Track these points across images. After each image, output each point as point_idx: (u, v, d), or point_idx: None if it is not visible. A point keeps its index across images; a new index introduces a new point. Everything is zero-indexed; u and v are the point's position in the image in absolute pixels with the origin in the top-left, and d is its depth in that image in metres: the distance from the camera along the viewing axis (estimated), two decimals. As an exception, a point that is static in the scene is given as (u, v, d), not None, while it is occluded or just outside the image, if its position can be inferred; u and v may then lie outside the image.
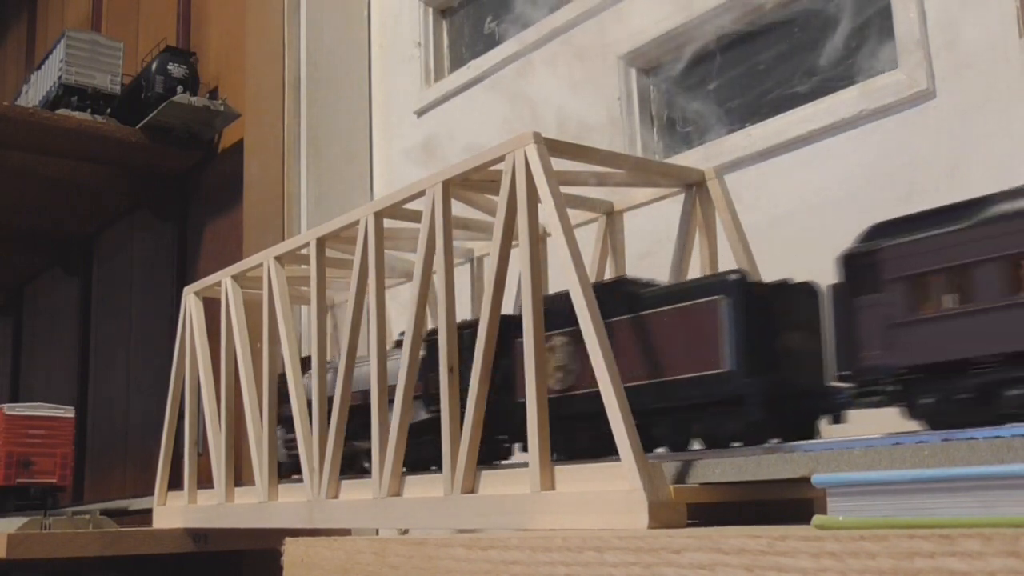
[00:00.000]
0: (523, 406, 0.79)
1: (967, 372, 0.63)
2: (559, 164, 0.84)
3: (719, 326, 0.73)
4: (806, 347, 0.71)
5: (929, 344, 0.63)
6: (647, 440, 0.76)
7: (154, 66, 2.11)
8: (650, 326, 0.78)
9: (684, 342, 0.73)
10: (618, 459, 0.72)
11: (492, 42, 1.72)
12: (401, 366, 0.94)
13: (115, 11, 2.86)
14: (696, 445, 0.80)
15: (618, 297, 0.82)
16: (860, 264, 0.67)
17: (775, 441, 0.76)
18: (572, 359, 0.83)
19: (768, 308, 0.72)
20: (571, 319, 0.76)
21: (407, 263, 1.23)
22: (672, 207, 1.06)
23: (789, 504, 0.76)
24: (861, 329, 0.67)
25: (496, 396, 0.87)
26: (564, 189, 0.86)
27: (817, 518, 0.53)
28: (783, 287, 0.77)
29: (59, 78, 2.21)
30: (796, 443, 0.70)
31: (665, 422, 0.79)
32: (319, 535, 0.84)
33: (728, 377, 0.71)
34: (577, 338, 0.76)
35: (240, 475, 1.37)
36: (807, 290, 0.77)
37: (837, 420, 0.76)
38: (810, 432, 0.73)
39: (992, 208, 0.62)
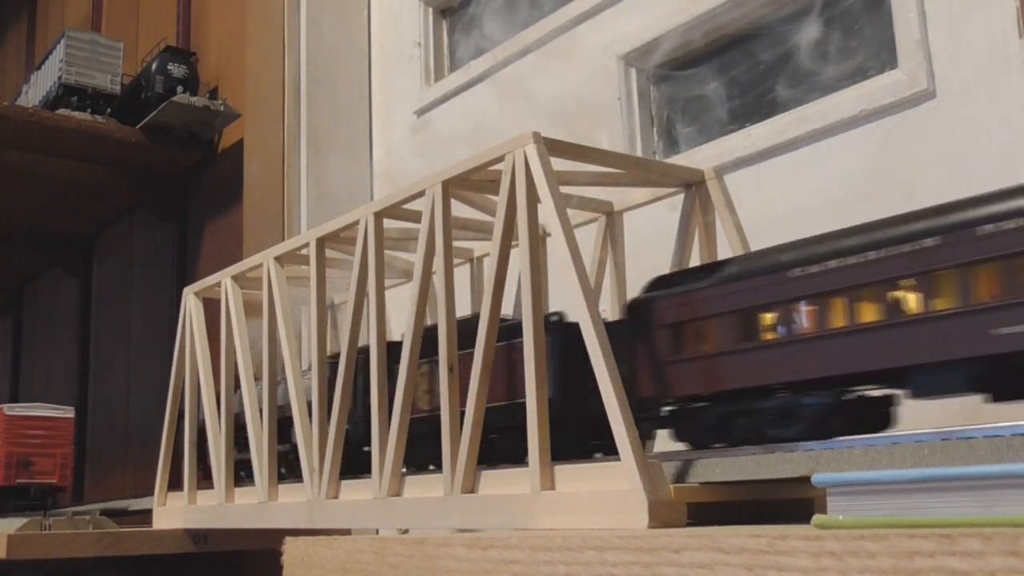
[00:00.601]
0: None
1: (710, 404, 0.77)
2: (559, 164, 0.84)
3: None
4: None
5: (684, 381, 0.78)
6: (494, 453, 0.91)
7: (154, 66, 2.11)
8: (501, 356, 0.90)
9: (522, 372, 0.83)
10: (615, 459, 0.72)
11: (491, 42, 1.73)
12: (401, 366, 0.94)
13: (115, 11, 2.87)
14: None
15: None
16: (639, 311, 0.80)
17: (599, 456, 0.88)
18: (436, 382, 0.93)
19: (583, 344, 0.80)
20: (436, 349, 0.89)
21: (407, 263, 1.23)
22: (672, 207, 1.06)
23: (789, 504, 0.76)
24: (638, 366, 0.82)
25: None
26: (564, 189, 0.86)
27: (817, 517, 0.53)
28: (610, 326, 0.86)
29: (59, 78, 2.21)
30: (796, 443, 0.70)
31: (509, 438, 0.88)
32: (319, 535, 0.84)
33: (551, 403, 0.80)
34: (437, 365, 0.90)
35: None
36: (621, 326, 0.86)
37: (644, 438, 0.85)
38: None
39: (728, 269, 0.76)
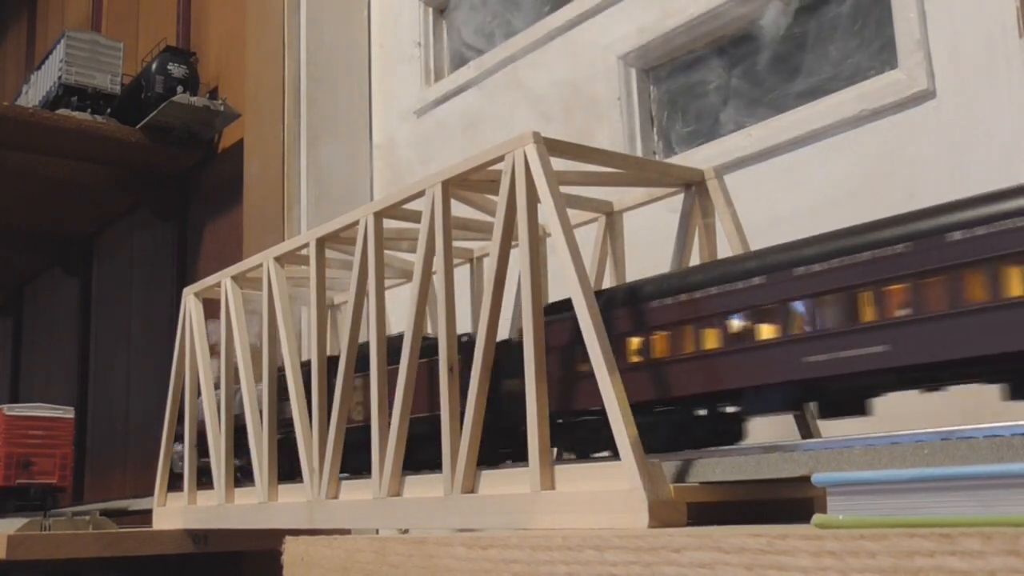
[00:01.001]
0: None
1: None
2: (559, 164, 0.84)
3: None
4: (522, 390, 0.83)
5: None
6: (416, 461, 0.97)
7: (154, 66, 2.11)
8: (423, 371, 0.96)
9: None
10: (615, 460, 0.72)
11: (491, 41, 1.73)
12: (401, 367, 0.94)
13: (115, 11, 2.87)
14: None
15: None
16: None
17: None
18: (367, 395, 1.00)
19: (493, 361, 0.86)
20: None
21: (407, 263, 1.23)
22: (672, 207, 1.06)
23: (789, 503, 0.76)
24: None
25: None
26: (564, 189, 0.86)
27: (817, 517, 0.53)
28: (506, 344, 0.90)
29: (59, 78, 2.21)
30: (796, 442, 0.70)
31: (429, 446, 0.93)
32: (319, 535, 0.84)
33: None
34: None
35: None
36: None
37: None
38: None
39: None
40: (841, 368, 0.67)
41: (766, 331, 0.71)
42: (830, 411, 0.72)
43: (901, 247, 0.65)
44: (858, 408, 0.71)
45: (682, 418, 0.81)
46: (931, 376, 0.65)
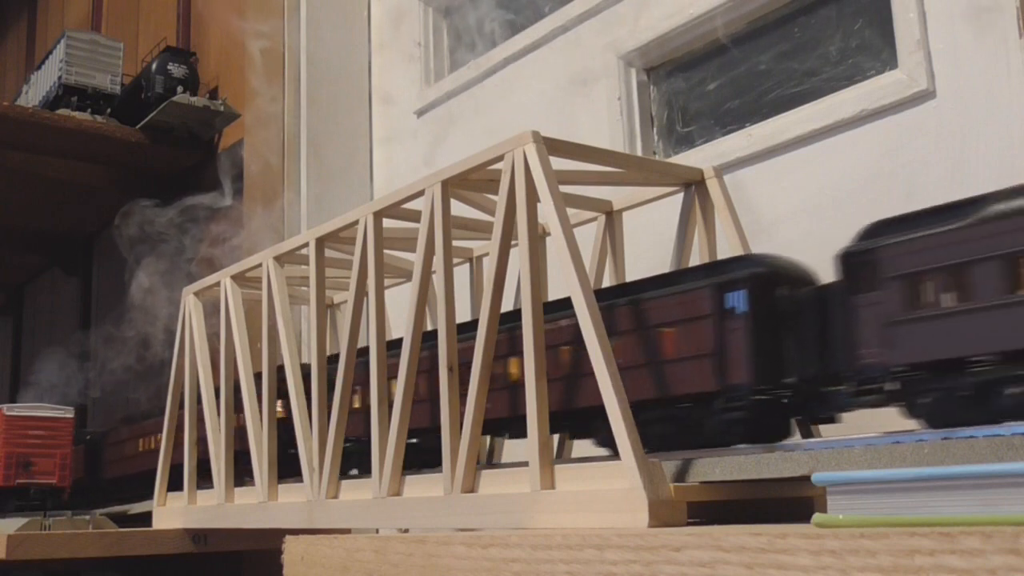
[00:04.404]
0: None
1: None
2: (558, 163, 0.84)
3: None
4: None
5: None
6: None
7: (154, 66, 2.11)
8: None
9: None
10: (616, 458, 0.72)
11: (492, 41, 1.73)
12: (401, 366, 0.94)
13: (115, 11, 2.86)
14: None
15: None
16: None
17: None
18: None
19: None
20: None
21: (407, 263, 1.23)
22: (672, 206, 1.06)
23: (789, 502, 0.76)
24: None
25: None
26: (563, 188, 0.86)
27: (817, 516, 0.53)
28: None
29: (59, 78, 2.21)
30: (796, 442, 0.70)
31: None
32: (319, 535, 0.84)
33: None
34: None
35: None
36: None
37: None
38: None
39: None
40: None
41: None
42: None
43: None
44: None
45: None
46: None
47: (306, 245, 1.12)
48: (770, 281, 0.74)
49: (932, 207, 0.68)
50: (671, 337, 0.78)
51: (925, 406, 0.67)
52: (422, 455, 1.06)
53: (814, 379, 0.74)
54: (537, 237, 0.83)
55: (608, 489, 0.72)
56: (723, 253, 0.98)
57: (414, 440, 1.01)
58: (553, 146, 0.84)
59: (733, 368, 0.74)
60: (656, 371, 0.79)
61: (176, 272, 1.92)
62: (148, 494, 1.68)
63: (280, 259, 1.19)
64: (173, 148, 2.20)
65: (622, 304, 0.79)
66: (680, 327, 0.77)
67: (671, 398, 0.76)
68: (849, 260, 0.68)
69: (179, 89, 2.10)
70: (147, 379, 2.34)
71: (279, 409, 1.24)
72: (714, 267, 0.75)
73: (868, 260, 0.68)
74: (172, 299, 1.79)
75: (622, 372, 0.72)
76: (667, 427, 0.77)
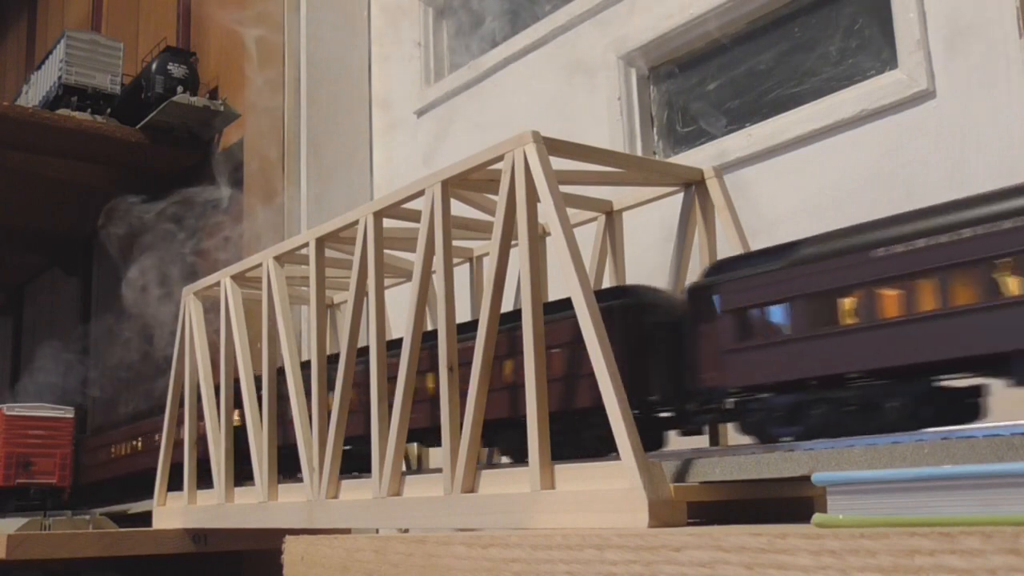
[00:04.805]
0: None
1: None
2: (558, 163, 0.84)
3: None
4: None
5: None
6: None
7: (154, 66, 2.11)
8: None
9: None
10: (618, 458, 0.72)
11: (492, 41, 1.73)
12: (401, 366, 0.94)
13: (115, 11, 2.86)
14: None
15: None
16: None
17: None
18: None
19: None
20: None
21: (407, 263, 1.23)
22: (672, 206, 1.06)
23: (789, 502, 0.76)
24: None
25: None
26: (563, 188, 0.86)
27: (817, 516, 0.53)
28: None
29: (59, 78, 2.21)
30: (796, 442, 0.70)
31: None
32: (319, 535, 0.84)
33: None
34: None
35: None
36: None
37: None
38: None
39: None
40: None
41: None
42: None
43: None
44: None
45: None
46: None
47: (306, 245, 1.12)
48: (638, 311, 0.82)
49: (769, 248, 0.77)
50: (558, 357, 0.85)
51: (753, 423, 0.76)
52: (356, 462, 1.11)
53: (672, 398, 0.83)
54: (537, 237, 0.83)
55: (608, 489, 0.72)
56: (723, 253, 0.98)
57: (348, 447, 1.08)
58: (553, 146, 0.84)
59: None
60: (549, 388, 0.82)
61: (176, 272, 1.92)
62: (125, 498, 1.72)
63: (280, 259, 1.19)
64: (173, 148, 2.20)
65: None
66: (564, 349, 0.83)
67: (555, 412, 0.81)
68: (693, 294, 0.75)
69: (179, 89, 2.10)
70: (146, 380, 2.34)
71: (235, 418, 1.27)
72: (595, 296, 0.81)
73: (706, 295, 0.77)
74: (172, 299, 1.79)
75: (518, 389, 0.79)
76: (555, 438, 0.80)
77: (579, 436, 0.88)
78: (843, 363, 0.68)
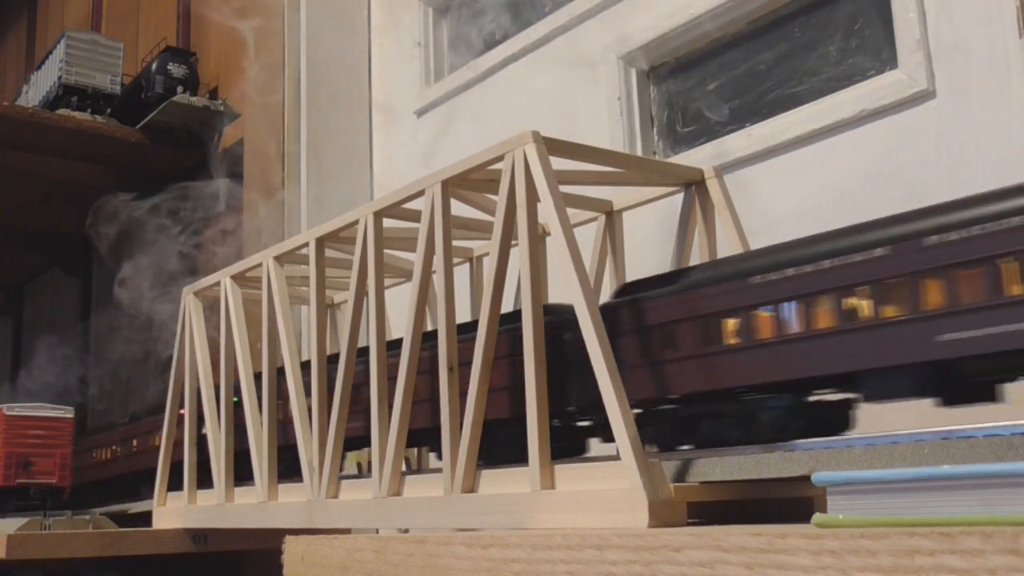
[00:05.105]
0: None
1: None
2: (558, 163, 0.84)
3: None
4: None
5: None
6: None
7: (154, 66, 2.11)
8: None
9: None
10: (615, 459, 0.72)
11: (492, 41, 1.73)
12: (401, 365, 0.94)
13: (115, 11, 2.86)
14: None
15: None
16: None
17: None
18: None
19: None
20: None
21: (407, 263, 1.23)
22: (672, 206, 1.06)
23: (789, 502, 0.76)
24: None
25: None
26: (564, 188, 0.86)
27: (817, 516, 0.53)
28: None
29: (59, 78, 2.21)
30: (796, 442, 0.71)
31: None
32: (319, 535, 0.84)
33: None
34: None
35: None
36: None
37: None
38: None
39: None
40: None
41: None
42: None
43: None
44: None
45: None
46: None
47: (306, 245, 1.12)
48: (558, 327, 0.86)
49: (669, 272, 0.86)
50: (496, 370, 0.88)
51: (653, 433, 0.83)
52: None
53: (589, 408, 0.87)
54: (537, 237, 0.83)
55: (608, 489, 0.72)
56: (723, 252, 0.98)
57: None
58: (553, 146, 0.84)
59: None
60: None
61: (176, 272, 1.92)
62: (108, 501, 1.74)
63: (280, 259, 1.19)
64: (173, 148, 2.20)
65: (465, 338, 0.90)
66: (497, 362, 0.88)
67: (487, 421, 0.86)
68: (603, 314, 0.79)
69: (179, 89, 2.10)
70: (144, 380, 2.35)
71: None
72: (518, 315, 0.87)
73: (612, 315, 0.82)
74: (171, 299, 1.79)
75: (462, 398, 0.86)
76: (483, 444, 0.86)
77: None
78: (725, 380, 0.75)
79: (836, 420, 0.76)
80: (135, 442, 1.86)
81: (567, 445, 0.94)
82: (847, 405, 0.76)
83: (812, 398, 0.75)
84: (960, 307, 0.62)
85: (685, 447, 0.81)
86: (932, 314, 0.64)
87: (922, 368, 0.65)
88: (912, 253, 0.65)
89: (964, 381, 0.65)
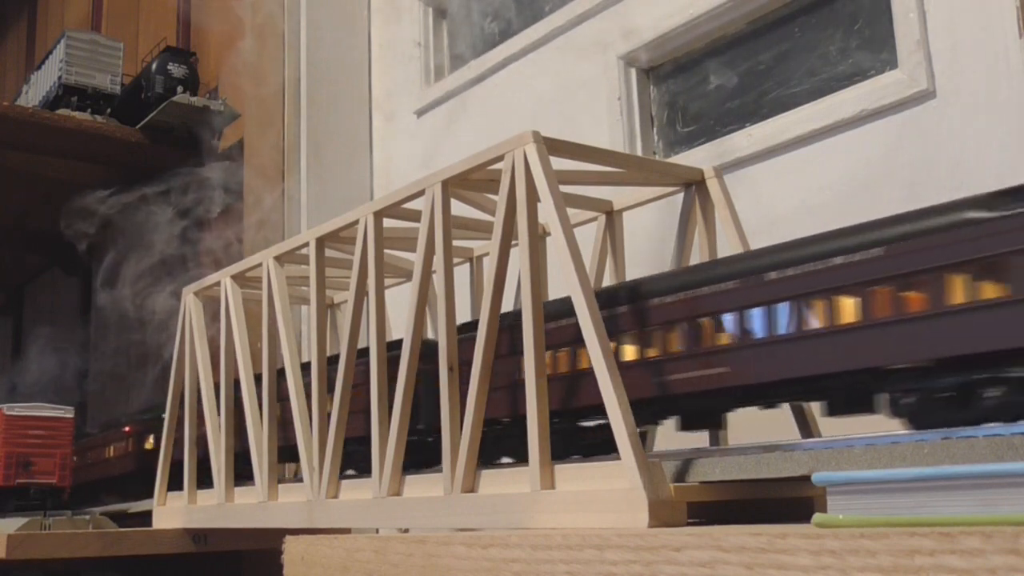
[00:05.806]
0: None
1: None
2: (559, 163, 0.84)
3: None
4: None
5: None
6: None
7: (154, 66, 2.11)
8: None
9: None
10: (615, 459, 0.72)
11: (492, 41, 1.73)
12: (401, 365, 0.94)
13: (115, 11, 2.87)
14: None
15: None
16: None
17: None
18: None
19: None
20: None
21: (407, 263, 1.23)
22: (672, 206, 1.06)
23: (789, 502, 0.76)
24: None
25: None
26: (564, 188, 0.86)
27: (817, 516, 0.53)
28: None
29: (59, 78, 2.21)
30: (796, 442, 0.71)
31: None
32: (319, 535, 0.84)
33: None
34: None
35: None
36: None
37: None
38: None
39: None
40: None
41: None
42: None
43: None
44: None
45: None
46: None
47: (306, 245, 1.12)
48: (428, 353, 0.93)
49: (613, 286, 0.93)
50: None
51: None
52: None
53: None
54: (537, 237, 0.83)
55: (608, 489, 0.72)
56: (723, 252, 0.98)
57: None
58: (553, 146, 0.84)
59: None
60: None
61: (176, 272, 1.92)
62: (97, 502, 1.76)
63: (280, 259, 1.19)
64: (173, 148, 2.20)
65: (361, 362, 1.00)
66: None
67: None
68: None
69: (179, 89, 2.10)
70: (143, 380, 2.35)
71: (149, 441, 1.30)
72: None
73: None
74: (171, 299, 1.79)
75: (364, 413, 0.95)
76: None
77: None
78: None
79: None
80: (110, 450, 1.90)
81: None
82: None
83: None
84: None
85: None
86: None
87: None
88: None
89: None
